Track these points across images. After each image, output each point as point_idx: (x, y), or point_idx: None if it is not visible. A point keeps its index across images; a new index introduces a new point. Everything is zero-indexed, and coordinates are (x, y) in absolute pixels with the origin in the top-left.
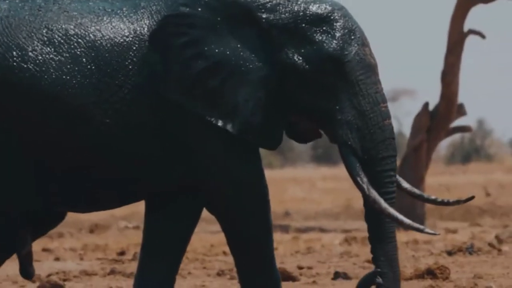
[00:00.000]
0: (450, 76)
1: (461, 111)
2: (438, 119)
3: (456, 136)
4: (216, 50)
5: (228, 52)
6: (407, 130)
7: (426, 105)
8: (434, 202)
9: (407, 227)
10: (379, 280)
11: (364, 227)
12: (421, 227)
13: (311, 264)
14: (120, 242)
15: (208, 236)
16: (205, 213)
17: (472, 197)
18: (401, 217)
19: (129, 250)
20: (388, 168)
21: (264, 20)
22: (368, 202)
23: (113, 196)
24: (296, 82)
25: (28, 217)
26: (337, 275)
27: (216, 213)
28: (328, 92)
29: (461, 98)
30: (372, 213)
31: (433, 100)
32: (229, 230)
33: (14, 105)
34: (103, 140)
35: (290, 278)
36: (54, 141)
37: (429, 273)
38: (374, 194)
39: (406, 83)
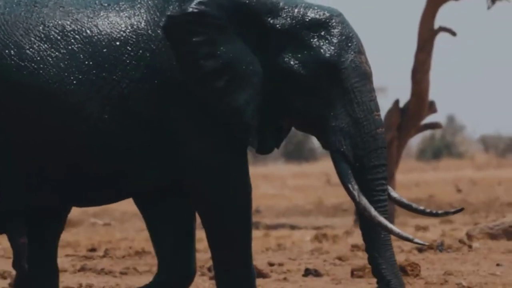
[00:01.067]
0: (420, 74)
1: (431, 108)
2: (409, 116)
3: (427, 133)
4: (225, 51)
5: (235, 54)
6: None
7: (396, 102)
8: (423, 212)
9: (397, 236)
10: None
11: (334, 224)
12: (410, 236)
13: (281, 261)
14: (91, 239)
15: None
16: None
17: (462, 209)
18: (390, 225)
19: (100, 247)
20: (379, 176)
21: (269, 24)
22: (359, 209)
23: (109, 192)
24: (291, 87)
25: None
26: (307, 272)
27: (199, 208)
28: (323, 98)
29: (432, 95)
30: (367, 223)
31: (404, 97)
32: (210, 225)
33: (12, 103)
34: (101, 136)
35: (261, 274)
36: (52, 137)
37: (400, 270)
38: (364, 201)
39: (376, 80)
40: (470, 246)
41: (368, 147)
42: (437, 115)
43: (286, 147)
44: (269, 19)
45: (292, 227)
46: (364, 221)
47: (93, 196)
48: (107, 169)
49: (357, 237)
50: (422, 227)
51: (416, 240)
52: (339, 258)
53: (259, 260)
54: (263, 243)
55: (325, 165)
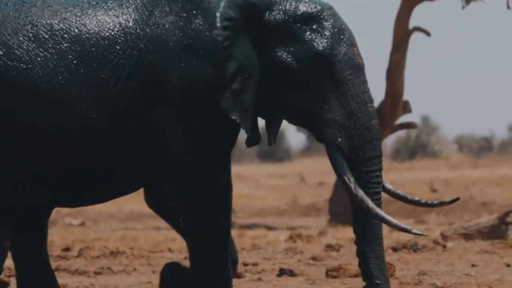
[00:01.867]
0: (395, 74)
1: (406, 108)
2: (384, 116)
3: (402, 133)
4: (240, 52)
5: (246, 54)
6: None
7: None
8: (418, 203)
9: (394, 227)
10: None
11: (309, 224)
12: (408, 227)
13: (256, 260)
14: (65, 239)
15: (153, 233)
16: (150, 209)
17: (457, 199)
18: (388, 217)
19: (74, 247)
20: (374, 168)
21: (267, 21)
22: (355, 201)
23: (99, 191)
24: (285, 81)
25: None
26: (282, 272)
27: (179, 207)
28: (316, 92)
29: (406, 95)
30: (360, 215)
31: (378, 97)
32: (190, 224)
33: (1, 103)
34: (90, 135)
35: (235, 274)
36: (41, 137)
37: None
38: (361, 193)
39: None
40: (444, 246)
41: (363, 139)
42: (411, 115)
43: (260, 147)
44: (267, 15)
45: (267, 227)
46: (357, 214)
47: (83, 196)
48: (97, 168)
49: (331, 238)
50: None
51: (413, 230)
52: (314, 258)
53: None
54: (237, 243)
55: (300, 165)
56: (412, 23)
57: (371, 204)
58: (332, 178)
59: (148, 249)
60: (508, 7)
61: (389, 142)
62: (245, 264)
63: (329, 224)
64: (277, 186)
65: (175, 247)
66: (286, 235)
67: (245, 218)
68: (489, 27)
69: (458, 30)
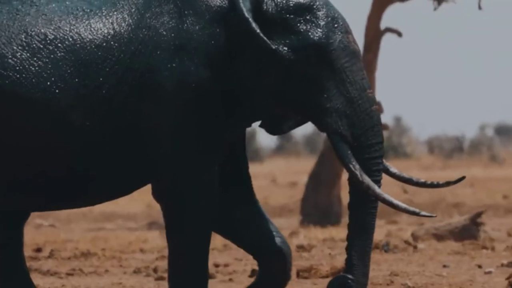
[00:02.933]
0: (367, 74)
1: (378, 109)
2: None
3: None
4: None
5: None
6: None
7: None
8: (424, 185)
9: (403, 211)
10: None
11: (280, 225)
12: (417, 210)
13: (227, 261)
14: (36, 240)
15: (125, 233)
16: (123, 210)
17: (463, 177)
18: (396, 201)
19: (45, 247)
20: (376, 155)
21: (263, 13)
22: (362, 188)
23: (93, 195)
24: (282, 74)
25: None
26: (253, 273)
27: (163, 204)
28: (315, 81)
29: (378, 96)
30: (358, 205)
31: None
32: (172, 224)
33: None
34: (84, 141)
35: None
36: (36, 145)
37: None
38: (367, 180)
39: None
40: (415, 247)
41: (364, 125)
42: (383, 116)
43: None
44: (264, 8)
45: None
46: (354, 203)
47: (76, 199)
48: (91, 172)
49: (303, 238)
50: None
51: (422, 213)
52: None
53: None
54: None
55: (271, 166)
56: (384, 23)
57: (377, 189)
58: (303, 178)
59: (120, 250)
60: (480, 7)
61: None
62: (216, 265)
63: (301, 225)
64: None
65: (147, 248)
66: None
67: None
68: (460, 28)
69: (430, 31)
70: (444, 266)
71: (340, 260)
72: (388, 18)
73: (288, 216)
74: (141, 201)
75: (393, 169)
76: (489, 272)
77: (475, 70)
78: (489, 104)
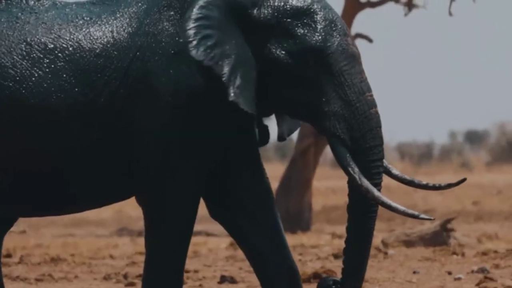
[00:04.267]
0: None
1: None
2: None
3: None
4: (232, 50)
5: (238, 51)
6: (295, 133)
7: None
8: (426, 187)
9: (402, 214)
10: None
11: None
12: (416, 213)
13: (197, 267)
14: (6, 245)
15: (95, 239)
16: (93, 216)
17: (464, 179)
18: (395, 204)
19: (15, 253)
20: (375, 158)
21: (254, 18)
22: (360, 191)
23: (90, 201)
24: (280, 78)
25: None
26: (223, 279)
27: (145, 208)
28: (313, 85)
29: None
30: (357, 207)
31: None
32: (151, 229)
33: None
34: (82, 151)
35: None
36: (34, 155)
37: (316, 277)
38: (366, 183)
39: None
40: (386, 253)
41: (363, 128)
42: None
43: None
44: (254, 12)
45: (208, 234)
46: (353, 206)
47: (71, 205)
48: (87, 180)
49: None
50: (338, 235)
51: (422, 216)
52: None
53: None
54: None
55: None
56: (354, 29)
57: (377, 193)
58: (273, 184)
59: (90, 256)
60: (450, 14)
61: (330, 150)
62: (186, 271)
63: None
64: None
65: (117, 254)
66: (227, 242)
67: None
68: (431, 33)
69: (400, 36)
70: (414, 272)
71: (310, 267)
72: (359, 24)
73: None
74: (111, 207)
75: (395, 171)
76: (459, 279)
77: (445, 77)
78: (459, 111)
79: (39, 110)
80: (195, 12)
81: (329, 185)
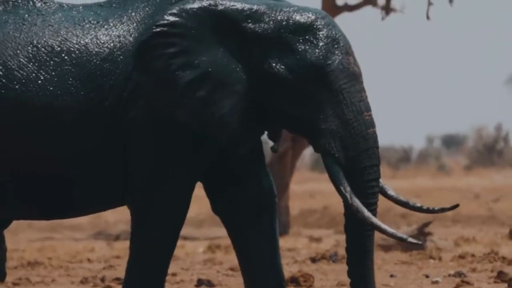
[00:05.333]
0: None
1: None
2: None
3: None
4: (204, 61)
5: (215, 63)
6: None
7: None
8: (420, 209)
9: (391, 236)
10: None
11: (227, 235)
12: (404, 236)
13: (175, 271)
14: None
15: (72, 243)
16: (70, 220)
17: (457, 205)
18: (384, 226)
19: None
20: (370, 178)
21: (249, 31)
22: (351, 211)
23: (90, 206)
24: (278, 93)
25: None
26: (200, 283)
27: (133, 210)
28: (311, 102)
29: None
30: (353, 226)
31: None
32: (139, 228)
33: (1, 124)
34: (86, 155)
35: None
36: (39, 157)
37: (293, 281)
38: (357, 203)
39: None
40: None
41: (358, 148)
42: None
43: None
44: (249, 25)
45: (185, 238)
46: (350, 224)
47: (70, 210)
48: (89, 183)
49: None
50: (315, 238)
51: (410, 239)
52: (232, 269)
53: None
54: None
55: None
56: None
57: (366, 213)
58: None
59: (67, 259)
60: (428, 17)
61: (308, 152)
62: None
63: None
64: (195, 196)
65: (93, 258)
66: (205, 246)
67: None
68: (408, 38)
69: (378, 41)
70: (391, 276)
71: (287, 270)
72: None
73: None
74: None
75: (391, 192)
76: (436, 282)
77: (422, 81)
78: (436, 115)
79: (45, 112)
80: (163, 18)
81: (307, 188)
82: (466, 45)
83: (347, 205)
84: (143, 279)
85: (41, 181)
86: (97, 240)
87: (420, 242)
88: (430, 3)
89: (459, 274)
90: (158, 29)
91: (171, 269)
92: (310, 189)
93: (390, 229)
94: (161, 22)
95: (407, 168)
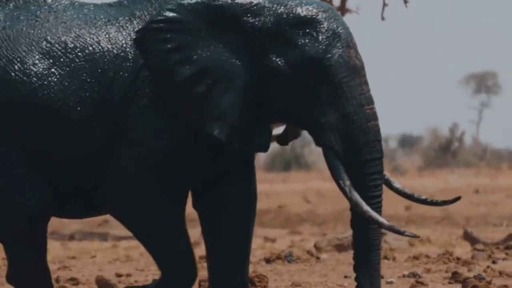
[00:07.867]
0: None
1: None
2: None
3: (277, 145)
4: (203, 56)
5: (214, 58)
6: None
7: None
8: (424, 202)
9: (388, 229)
10: None
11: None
12: (401, 230)
13: (129, 271)
14: None
15: None
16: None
17: (459, 198)
18: (381, 219)
19: None
20: (372, 171)
21: (249, 25)
22: (350, 204)
23: (92, 207)
24: (279, 86)
25: None
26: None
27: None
28: (311, 96)
29: None
30: (359, 220)
31: None
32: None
33: (14, 118)
34: (97, 152)
35: (109, 285)
36: (53, 153)
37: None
38: (356, 197)
39: None
40: (318, 258)
41: (358, 142)
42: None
43: None
44: (249, 19)
45: None
46: (355, 218)
47: (92, 212)
48: (97, 183)
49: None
50: (270, 238)
51: (407, 233)
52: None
53: (106, 271)
54: (111, 254)
55: None
56: None
57: (365, 207)
58: None
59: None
60: (383, 18)
61: (263, 153)
62: (119, 275)
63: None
64: None
65: (48, 258)
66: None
67: (118, 229)
68: (364, 38)
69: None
70: (346, 276)
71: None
72: None
73: (191, 226)
74: None
75: (396, 184)
76: (391, 283)
77: (378, 82)
78: (392, 115)
79: (59, 108)
80: (159, 14)
81: (262, 189)
82: (421, 46)
83: (347, 199)
84: (174, 264)
85: (52, 177)
86: (51, 240)
87: (418, 236)
88: (385, 4)
89: (413, 275)
90: (155, 25)
91: (126, 269)
92: (265, 189)
93: (387, 223)
94: (158, 18)
95: None
